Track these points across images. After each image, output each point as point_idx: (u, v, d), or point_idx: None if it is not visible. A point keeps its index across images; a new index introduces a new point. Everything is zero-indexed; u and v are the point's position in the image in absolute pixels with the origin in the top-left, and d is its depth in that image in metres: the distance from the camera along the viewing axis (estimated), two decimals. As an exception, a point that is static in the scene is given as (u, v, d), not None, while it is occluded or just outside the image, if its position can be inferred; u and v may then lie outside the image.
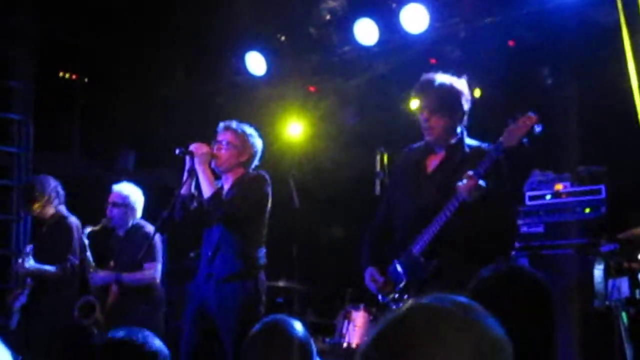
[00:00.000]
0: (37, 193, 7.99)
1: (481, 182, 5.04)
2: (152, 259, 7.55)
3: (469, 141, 5.53)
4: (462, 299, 1.73)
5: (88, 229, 7.77)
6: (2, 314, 9.15)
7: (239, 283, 6.31)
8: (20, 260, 7.81)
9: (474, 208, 5.09)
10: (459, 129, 5.53)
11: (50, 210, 8.08)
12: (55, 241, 7.87)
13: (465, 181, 5.04)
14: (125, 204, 7.80)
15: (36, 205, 8.00)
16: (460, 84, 5.49)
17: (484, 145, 5.41)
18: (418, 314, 1.69)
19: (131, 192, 7.91)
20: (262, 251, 6.48)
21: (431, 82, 5.46)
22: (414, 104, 7.68)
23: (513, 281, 3.01)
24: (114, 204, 7.77)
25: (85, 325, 7.49)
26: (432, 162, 5.58)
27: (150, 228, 7.49)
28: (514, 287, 2.99)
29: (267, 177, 6.53)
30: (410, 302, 1.74)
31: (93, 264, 7.70)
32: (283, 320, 3.71)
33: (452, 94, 5.44)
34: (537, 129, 4.90)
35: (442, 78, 5.47)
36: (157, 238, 7.39)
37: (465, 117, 5.52)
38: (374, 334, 1.71)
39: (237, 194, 6.41)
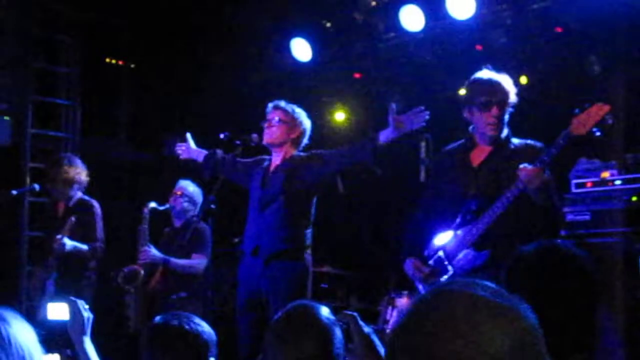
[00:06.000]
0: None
1: (546, 172, 5.06)
2: (202, 250, 7.70)
3: (514, 140, 5.65)
4: (492, 285, 1.65)
5: (152, 204, 7.98)
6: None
7: (289, 263, 6.40)
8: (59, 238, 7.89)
9: (529, 199, 5.10)
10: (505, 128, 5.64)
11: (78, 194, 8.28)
12: (85, 224, 8.02)
13: (528, 168, 5.04)
14: (189, 197, 7.97)
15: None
16: (510, 81, 5.65)
17: (531, 141, 5.49)
18: (449, 300, 1.61)
19: (196, 190, 8.17)
20: (309, 232, 6.56)
21: (497, 80, 5.62)
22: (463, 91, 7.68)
23: (554, 258, 2.94)
24: (181, 195, 7.98)
25: (125, 289, 7.67)
26: (478, 156, 5.66)
27: (203, 226, 7.58)
28: (554, 263, 2.88)
29: None
30: (436, 287, 1.66)
31: (148, 238, 7.85)
32: (307, 305, 3.60)
33: (507, 90, 5.58)
34: (609, 120, 4.83)
35: (495, 75, 5.65)
36: (208, 232, 7.50)
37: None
38: (401, 320, 1.64)
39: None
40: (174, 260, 7.76)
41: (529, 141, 5.56)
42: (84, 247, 7.91)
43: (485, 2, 8.24)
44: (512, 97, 5.59)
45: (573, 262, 2.90)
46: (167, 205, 8.05)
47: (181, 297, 7.62)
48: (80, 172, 8.23)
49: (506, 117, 5.60)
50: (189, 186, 8.13)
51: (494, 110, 5.51)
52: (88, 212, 8.11)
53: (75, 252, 7.86)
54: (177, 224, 8.14)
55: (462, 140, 5.80)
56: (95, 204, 8.22)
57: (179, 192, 8.07)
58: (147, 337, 3.67)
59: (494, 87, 5.58)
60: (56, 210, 8.33)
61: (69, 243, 7.78)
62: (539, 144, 5.42)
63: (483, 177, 5.51)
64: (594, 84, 8.07)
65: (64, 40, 10.46)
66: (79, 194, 8.25)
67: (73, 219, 7.84)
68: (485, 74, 5.69)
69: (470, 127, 5.73)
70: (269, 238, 6.48)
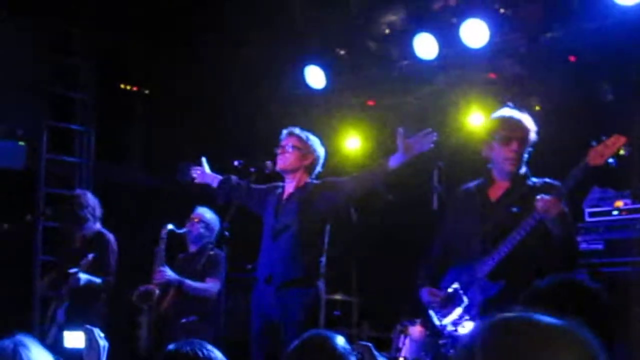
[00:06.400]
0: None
1: (563, 202, 5.11)
2: (216, 275, 7.73)
3: (533, 178, 5.72)
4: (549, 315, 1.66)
5: (170, 226, 8.07)
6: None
7: (302, 290, 6.42)
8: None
9: (545, 229, 5.13)
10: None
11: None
12: (99, 257, 8.12)
13: (546, 199, 5.07)
14: (206, 224, 8.01)
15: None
16: (530, 120, 5.75)
17: (549, 180, 5.54)
18: (513, 327, 1.63)
19: (213, 217, 8.22)
20: (323, 260, 6.57)
21: (518, 117, 5.70)
22: (476, 119, 7.74)
23: (569, 292, 2.93)
24: (198, 221, 8.04)
25: (142, 308, 7.73)
26: (496, 192, 5.74)
27: (218, 252, 7.64)
28: (569, 298, 2.89)
29: None
30: (496, 316, 1.67)
31: (164, 259, 7.91)
32: (322, 335, 3.59)
33: (527, 128, 5.68)
34: (624, 151, 4.88)
35: (517, 113, 5.75)
36: (222, 258, 7.53)
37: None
38: (461, 352, 1.64)
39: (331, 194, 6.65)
40: (188, 282, 7.82)
41: (547, 180, 5.59)
42: (97, 280, 8.00)
43: (499, 30, 8.25)
44: (532, 136, 5.63)
45: (587, 296, 2.90)
46: (184, 229, 8.10)
47: (191, 321, 7.66)
48: (92, 210, 8.34)
49: (525, 155, 5.63)
50: (206, 213, 8.18)
51: (514, 146, 5.55)
52: (103, 245, 8.19)
53: (89, 284, 7.94)
54: (193, 249, 8.19)
55: (480, 179, 5.84)
56: (111, 238, 8.32)
57: (196, 219, 8.14)
58: None
59: (515, 124, 5.63)
60: (73, 238, 8.41)
61: (83, 277, 7.87)
62: (557, 183, 5.44)
63: (501, 211, 5.55)
64: (607, 112, 8.06)
65: (79, 66, 10.52)
66: (97, 226, 8.34)
67: (90, 257, 7.92)
68: (506, 111, 5.74)
69: (489, 165, 5.76)
70: (282, 266, 6.51)
